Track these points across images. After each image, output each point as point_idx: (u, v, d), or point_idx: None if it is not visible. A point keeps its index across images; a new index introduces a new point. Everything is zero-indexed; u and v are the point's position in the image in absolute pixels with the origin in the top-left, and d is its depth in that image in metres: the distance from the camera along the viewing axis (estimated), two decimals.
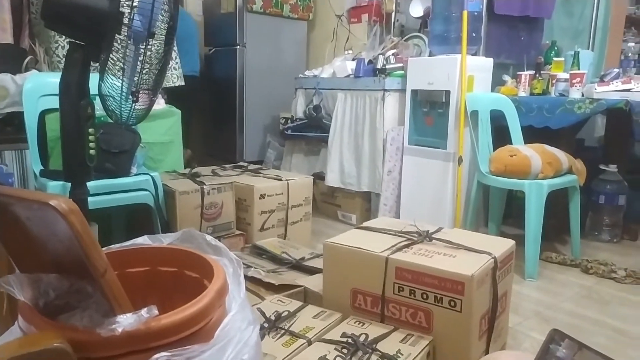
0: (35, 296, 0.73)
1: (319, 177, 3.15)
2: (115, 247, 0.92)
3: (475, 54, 2.68)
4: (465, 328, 1.23)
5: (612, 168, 2.65)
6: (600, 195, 2.68)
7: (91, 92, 1.38)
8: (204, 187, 2.15)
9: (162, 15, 1.40)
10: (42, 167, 1.95)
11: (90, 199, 1.46)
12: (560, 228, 2.58)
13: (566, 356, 0.82)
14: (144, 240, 0.94)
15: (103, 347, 0.65)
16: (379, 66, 2.95)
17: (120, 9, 1.29)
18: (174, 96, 2.76)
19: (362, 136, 2.96)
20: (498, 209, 2.61)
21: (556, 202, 2.32)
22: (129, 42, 1.34)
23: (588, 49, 3.00)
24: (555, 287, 2.11)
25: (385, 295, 1.33)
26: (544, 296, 2.02)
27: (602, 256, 2.42)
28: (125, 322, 0.64)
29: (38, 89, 1.98)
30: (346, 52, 3.52)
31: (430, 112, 2.70)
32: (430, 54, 2.84)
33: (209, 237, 0.92)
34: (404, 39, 3.18)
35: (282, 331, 1.23)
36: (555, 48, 2.88)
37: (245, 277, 0.93)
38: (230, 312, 0.78)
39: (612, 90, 2.28)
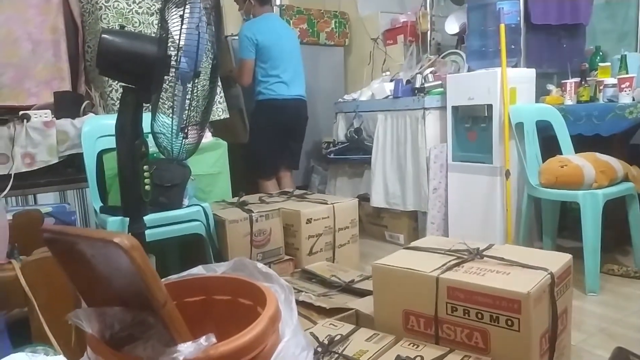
0: (102, 329, 0.78)
1: (363, 198, 3.15)
2: (172, 278, 0.96)
3: (515, 66, 2.64)
4: (525, 348, 1.19)
5: None
6: None
7: (144, 131, 1.47)
8: (252, 214, 2.20)
9: (206, 55, 1.47)
10: (102, 204, 2.06)
11: (146, 231, 1.53)
12: (620, 238, 2.46)
13: None
14: (198, 271, 0.98)
15: None
16: (417, 85, 2.96)
17: (168, 52, 1.38)
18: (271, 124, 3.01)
19: (404, 155, 2.95)
20: (552, 222, 2.52)
21: (614, 211, 2.22)
22: (176, 82, 1.42)
23: (635, 51, 2.88)
24: (619, 301, 2.01)
25: (439, 316, 1.31)
26: (607, 311, 1.92)
27: None
28: (186, 351, 0.67)
29: (95, 131, 2.11)
30: (384, 74, 3.55)
31: (472, 127, 2.67)
32: (469, 70, 2.82)
33: (259, 265, 0.95)
34: (441, 56, 3.17)
35: (336, 355, 1.23)
36: (600, 53, 2.79)
37: (297, 301, 0.94)
38: (284, 338, 0.80)
39: None
